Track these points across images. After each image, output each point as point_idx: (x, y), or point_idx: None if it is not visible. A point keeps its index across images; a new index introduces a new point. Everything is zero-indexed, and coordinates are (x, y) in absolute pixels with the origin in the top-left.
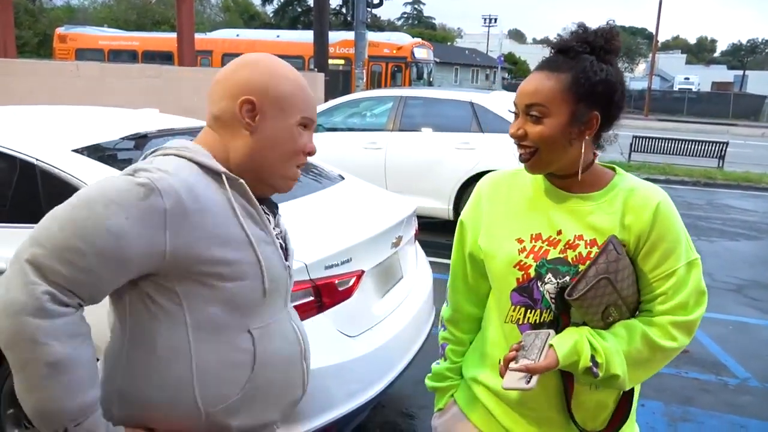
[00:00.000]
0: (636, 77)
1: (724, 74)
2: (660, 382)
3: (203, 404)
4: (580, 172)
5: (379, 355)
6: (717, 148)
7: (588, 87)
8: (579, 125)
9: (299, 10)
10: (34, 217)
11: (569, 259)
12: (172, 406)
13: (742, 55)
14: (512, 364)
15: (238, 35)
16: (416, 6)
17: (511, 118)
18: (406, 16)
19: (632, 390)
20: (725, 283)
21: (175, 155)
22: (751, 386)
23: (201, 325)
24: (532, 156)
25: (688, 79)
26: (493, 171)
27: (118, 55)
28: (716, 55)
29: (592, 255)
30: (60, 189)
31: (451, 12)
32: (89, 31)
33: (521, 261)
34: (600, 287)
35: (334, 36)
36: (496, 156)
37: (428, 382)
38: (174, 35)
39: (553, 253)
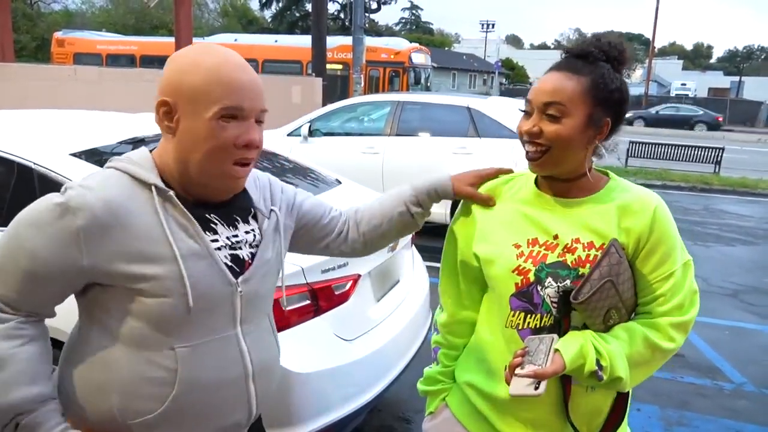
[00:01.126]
0: (633, 83)
1: (721, 80)
2: (656, 386)
3: (120, 415)
4: (587, 174)
5: (375, 359)
6: (713, 154)
7: (606, 93)
8: (593, 129)
9: (297, 14)
10: None
11: (569, 263)
12: (94, 413)
13: (739, 61)
14: (518, 370)
15: (236, 40)
16: (414, 11)
17: (508, 122)
18: (404, 21)
19: (627, 393)
20: (721, 288)
21: (112, 167)
22: (747, 391)
23: (125, 338)
24: (543, 155)
25: (684, 84)
26: (490, 182)
27: (116, 60)
28: (713, 61)
29: (591, 258)
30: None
31: (449, 17)
32: (87, 35)
33: (520, 266)
34: (604, 290)
35: (332, 41)
36: (493, 161)
37: (420, 386)
38: (172, 40)
39: (552, 257)
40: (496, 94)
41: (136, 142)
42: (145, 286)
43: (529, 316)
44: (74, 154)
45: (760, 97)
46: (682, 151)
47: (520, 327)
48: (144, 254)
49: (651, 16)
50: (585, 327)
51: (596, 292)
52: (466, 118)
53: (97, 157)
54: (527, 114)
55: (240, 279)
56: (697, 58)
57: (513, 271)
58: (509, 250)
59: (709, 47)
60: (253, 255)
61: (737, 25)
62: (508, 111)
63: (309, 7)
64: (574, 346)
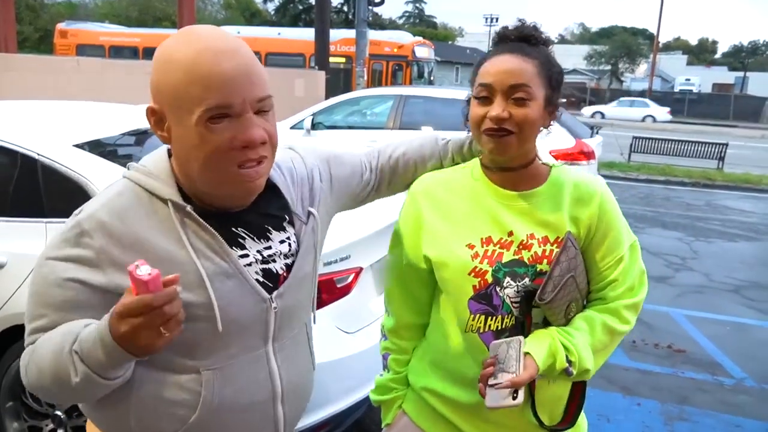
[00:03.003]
0: (637, 78)
1: (725, 75)
2: (656, 381)
3: (137, 431)
4: (534, 161)
5: (376, 352)
6: (717, 150)
7: (555, 74)
8: (549, 112)
9: (300, 7)
10: (35, 211)
11: (525, 260)
12: (115, 424)
13: (743, 57)
14: (492, 380)
15: (239, 32)
16: (418, 5)
17: None
18: (407, 14)
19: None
20: (723, 283)
21: (127, 179)
22: (748, 386)
23: (148, 360)
24: (505, 138)
25: (688, 80)
26: (424, 175)
27: (119, 52)
28: (717, 56)
29: (547, 253)
30: (61, 184)
31: (453, 11)
32: (90, 27)
33: (476, 267)
34: (567, 286)
35: (336, 34)
36: None
37: (372, 396)
38: (175, 32)
39: (508, 256)
40: None
41: (139, 134)
42: None
43: (489, 318)
44: (78, 145)
45: (765, 92)
46: (686, 147)
47: (481, 330)
48: (164, 274)
49: (656, 10)
50: (546, 323)
51: (560, 289)
52: None
53: (100, 148)
54: (485, 99)
55: (274, 294)
56: (701, 53)
57: (469, 274)
58: (463, 251)
59: (714, 42)
60: (288, 266)
61: (742, 21)
62: None
63: (312, 0)
64: (544, 347)
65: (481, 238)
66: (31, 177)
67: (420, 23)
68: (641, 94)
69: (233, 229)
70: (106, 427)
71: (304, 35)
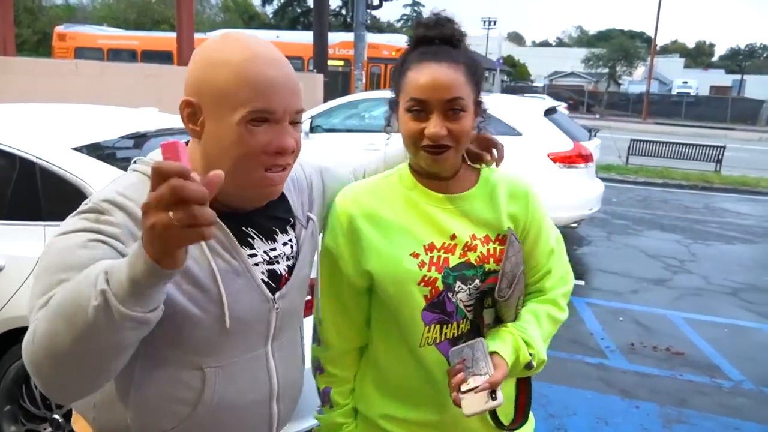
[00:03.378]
0: (634, 81)
1: (723, 78)
2: (655, 383)
3: (134, 428)
4: (465, 163)
5: None
6: (714, 152)
7: (479, 74)
8: (477, 113)
9: (299, 10)
10: (33, 214)
11: (473, 261)
12: (108, 422)
13: (741, 60)
14: (464, 387)
15: None
16: (416, 8)
17: (510, 119)
18: (405, 17)
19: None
20: (721, 286)
21: (138, 171)
22: (746, 389)
23: (150, 355)
24: (447, 153)
25: (686, 83)
26: (347, 187)
27: (117, 54)
28: (715, 59)
29: (492, 252)
30: (60, 187)
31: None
32: (89, 29)
33: (425, 276)
34: (519, 281)
35: (334, 37)
36: None
37: None
38: (173, 35)
39: (454, 260)
40: (498, 92)
41: (138, 137)
42: (181, 305)
43: (445, 327)
44: (76, 149)
45: (762, 95)
46: (683, 150)
47: (437, 341)
48: (181, 270)
49: (653, 13)
50: (497, 321)
51: (516, 284)
52: None
53: (99, 151)
54: (419, 113)
55: (277, 295)
56: (699, 56)
57: (419, 284)
58: (408, 262)
59: (711, 45)
60: (290, 268)
61: (740, 23)
62: (510, 108)
63: (311, 3)
64: (508, 344)
65: (424, 245)
66: (30, 180)
67: None
68: (639, 97)
69: (243, 228)
70: (100, 424)
71: (302, 38)
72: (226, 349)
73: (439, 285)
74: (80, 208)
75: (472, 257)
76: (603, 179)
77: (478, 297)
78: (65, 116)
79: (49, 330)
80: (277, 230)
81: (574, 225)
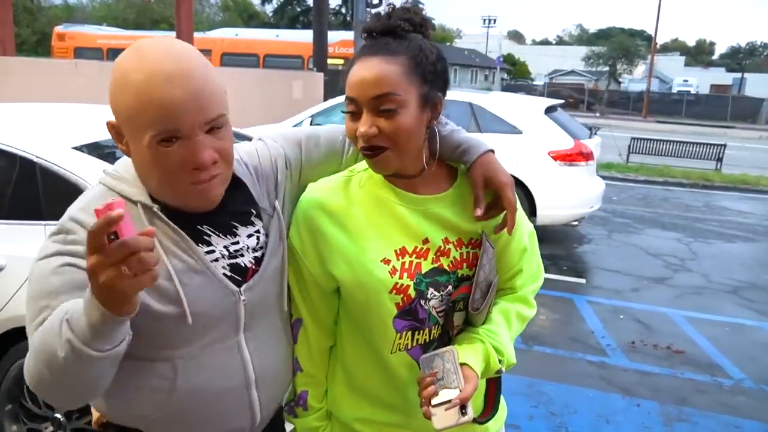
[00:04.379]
0: (635, 79)
1: (723, 77)
2: (655, 382)
3: (113, 415)
4: (427, 162)
5: None
6: (715, 151)
7: (430, 66)
8: (429, 111)
9: (299, 9)
10: (34, 214)
11: (446, 267)
12: (99, 407)
13: (741, 58)
14: (435, 400)
15: (237, 35)
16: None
17: (510, 117)
18: None
19: None
20: (721, 284)
21: (102, 184)
22: (746, 387)
23: (127, 352)
24: (383, 154)
25: (686, 81)
26: (313, 184)
27: (116, 54)
28: (715, 57)
29: (464, 256)
30: (60, 186)
31: (451, 13)
32: (88, 29)
33: (397, 284)
34: (492, 290)
35: (334, 36)
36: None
37: None
38: (173, 34)
39: (426, 265)
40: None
41: None
42: (142, 305)
43: (417, 333)
44: (76, 148)
45: (762, 93)
46: (684, 148)
47: (409, 347)
48: None
49: (653, 11)
50: (466, 323)
51: (489, 294)
52: (468, 113)
53: (99, 150)
54: (353, 113)
55: (243, 287)
56: (699, 54)
57: (390, 292)
58: (379, 269)
59: (712, 43)
60: (257, 259)
61: (740, 22)
62: (510, 106)
63: (310, 1)
64: (478, 354)
65: (395, 250)
66: (30, 179)
67: None
68: (639, 95)
69: (198, 227)
70: (109, 414)
71: (302, 37)
72: (195, 341)
73: (411, 293)
74: (53, 228)
75: (444, 262)
76: (603, 177)
77: (450, 305)
78: (65, 116)
79: (35, 368)
80: (237, 224)
81: (575, 223)
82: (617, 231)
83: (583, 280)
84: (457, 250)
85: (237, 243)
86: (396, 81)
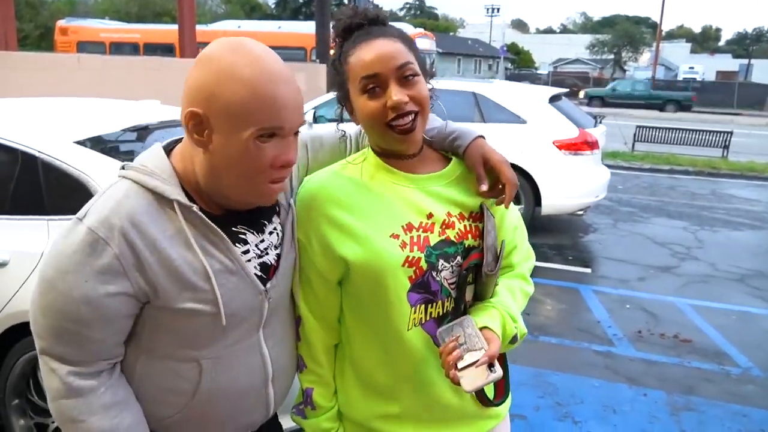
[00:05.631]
0: (640, 67)
1: (729, 63)
2: (662, 371)
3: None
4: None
5: None
6: (721, 138)
7: (415, 47)
8: (427, 82)
9: (301, 1)
10: (36, 209)
11: (453, 238)
12: None
13: (748, 44)
14: (461, 363)
15: (239, 27)
16: None
17: (514, 107)
18: (408, 6)
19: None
20: (728, 272)
21: (128, 179)
22: (754, 375)
23: (151, 350)
24: (414, 121)
25: (692, 68)
26: (309, 178)
27: (119, 48)
28: (721, 44)
29: (469, 228)
30: (62, 181)
31: (454, 2)
32: (90, 23)
33: (408, 257)
34: (501, 254)
35: None
36: (498, 146)
37: None
38: (175, 27)
39: (434, 238)
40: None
41: (140, 130)
42: (179, 306)
43: (430, 306)
44: (78, 142)
45: None
46: (690, 136)
47: (423, 321)
48: (177, 274)
49: None
50: (475, 299)
51: (499, 255)
52: (472, 103)
53: (101, 144)
54: (374, 90)
55: (268, 285)
56: (705, 41)
57: (403, 265)
58: (389, 244)
59: (718, 30)
60: (278, 256)
61: (747, 7)
62: (514, 96)
63: None
64: (496, 318)
65: (402, 226)
66: (32, 174)
67: (421, 15)
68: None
69: (233, 227)
70: None
71: (304, 29)
72: (221, 341)
73: (423, 264)
74: (75, 231)
75: (451, 234)
76: (609, 166)
77: (463, 274)
78: (67, 110)
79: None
80: (266, 222)
81: (580, 213)
82: (623, 220)
83: (588, 270)
84: (460, 223)
85: (263, 241)
86: (406, 53)
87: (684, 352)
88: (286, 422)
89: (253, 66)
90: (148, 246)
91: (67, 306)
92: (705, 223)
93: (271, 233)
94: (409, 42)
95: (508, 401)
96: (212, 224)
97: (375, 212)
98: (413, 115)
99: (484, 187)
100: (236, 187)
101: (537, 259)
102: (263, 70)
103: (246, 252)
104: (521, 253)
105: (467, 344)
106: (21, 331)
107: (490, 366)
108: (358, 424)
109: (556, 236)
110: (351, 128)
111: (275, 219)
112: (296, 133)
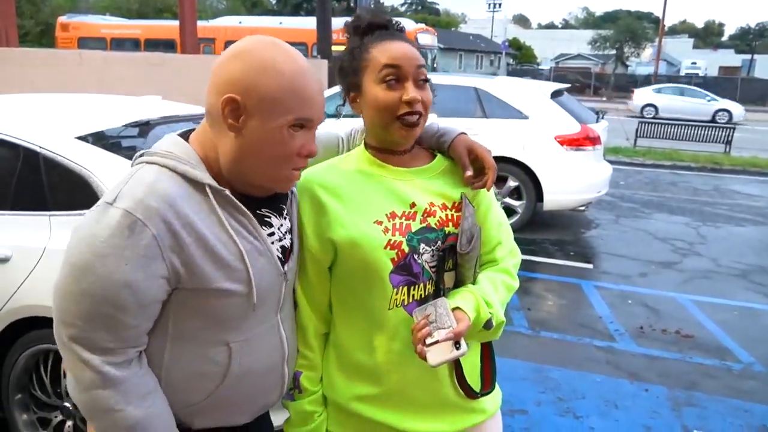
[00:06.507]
0: (642, 62)
1: (732, 58)
2: (664, 366)
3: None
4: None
5: None
6: (724, 133)
7: (424, 57)
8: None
9: None
10: (39, 205)
11: (433, 225)
12: None
13: (751, 39)
14: (429, 340)
15: (240, 22)
16: None
17: (516, 102)
18: (409, 1)
19: (490, 342)
20: (731, 268)
21: (156, 164)
22: (756, 371)
23: (179, 336)
24: (419, 120)
25: (695, 63)
26: (308, 169)
27: (120, 44)
28: (724, 39)
29: (450, 217)
30: (64, 176)
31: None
32: (91, 19)
33: (390, 240)
34: (478, 237)
35: (338, 22)
36: (500, 142)
37: (290, 430)
38: (176, 23)
39: (416, 225)
40: (504, 75)
41: (142, 125)
42: (214, 286)
43: (412, 288)
44: (80, 138)
45: None
46: (692, 131)
47: (405, 303)
48: (213, 254)
49: None
50: (456, 286)
51: (475, 239)
52: (474, 98)
53: (103, 140)
54: (392, 82)
55: (286, 267)
56: (708, 36)
57: (385, 248)
58: (372, 229)
59: (721, 25)
60: (292, 240)
61: (749, 2)
62: (516, 91)
63: None
64: (469, 300)
65: (386, 214)
66: (34, 170)
67: (422, 10)
68: (647, 78)
69: (259, 210)
70: None
71: (305, 24)
72: (249, 322)
73: (405, 248)
74: (110, 213)
75: (432, 221)
76: (611, 162)
77: (441, 256)
78: (69, 106)
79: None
80: (284, 206)
81: (582, 208)
82: (625, 216)
83: (590, 266)
84: (442, 212)
85: (282, 225)
86: (421, 59)
87: (685, 347)
88: (277, 420)
89: (291, 62)
90: (185, 227)
91: (106, 290)
92: (707, 219)
93: (285, 218)
94: (421, 51)
95: (498, 398)
96: (242, 206)
97: (362, 201)
98: (419, 116)
99: (469, 173)
100: (261, 173)
101: (539, 255)
102: (300, 65)
103: (271, 234)
104: (505, 249)
105: (437, 323)
106: (24, 326)
107: (457, 344)
108: (340, 406)
109: (557, 232)
110: (342, 128)
111: (285, 204)
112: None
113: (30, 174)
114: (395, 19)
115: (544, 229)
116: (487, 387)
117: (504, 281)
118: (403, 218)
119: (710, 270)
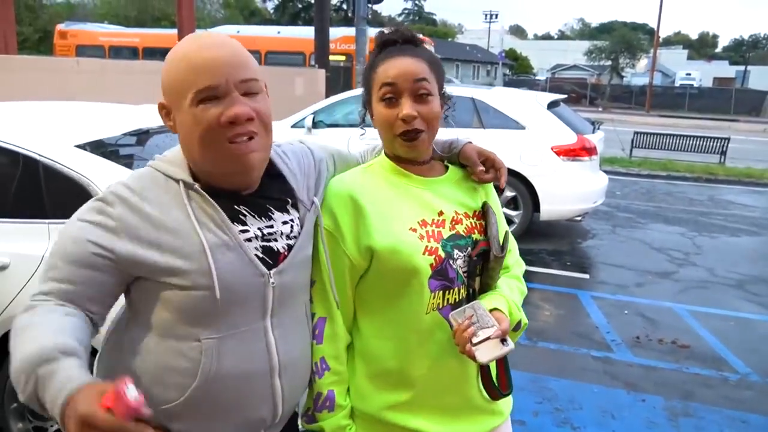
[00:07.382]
0: (637, 73)
1: (726, 70)
2: (661, 377)
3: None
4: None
5: None
6: (718, 144)
7: (441, 70)
8: (443, 104)
9: (300, 6)
10: (37, 212)
11: (462, 232)
12: None
13: (744, 51)
14: (475, 339)
15: (238, 31)
16: (417, 2)
17: (513, 113)
18: (406, 12)
19: None
20: (726, 278)
21: (148, 166)
22: (752, 381)
23: (154, 327)
24: (419, 137)
25: (689, 74)
26: (338, 177)
27: (118, 52)
28: (718, 50)
29: (475, 225)
30: (62, 184)
31: (452, 8)
32: (90, 27)
33: (427, 246)
34: (505, 242)
35: (335, 32)
36: (497, 152)
37: None
38: (174, 32)
39: (446, 232)
40: (500, 85)
41: (141, 134)
42: (175, 279)
43: (447, 292)
44: (79, 146)
45: (766, 86)
46: (687, 142)
47: (440, 307)
48: (174, 246)
49: (655, 4)
50: (481, 290)
51: (504, 244)
52: (471, 109)
53: (102, 148)
54: (390, 100)
55: (273, 271)
56: (702, 47)
57: (424, 253)
58: (409, 235)
59: (715, 36)
60: (290, 246)
61: (743, 14)
62: (513, 102)
63: None
64: (503, 303)
65: (418, 221)
66: (33, 178)
67: (419, 20)
68: (642, 89)
69: (235, 206)
70: None
71: (303, 33)
72: (222, 320)
73: (441, 253)
74: (98, 195)
75: (460, 229)
76: (607, 172)
77: (473, 261)
78: (68, 114)
79: (12, 350)
80: (272, 209)
81: (579, 218)
82: (621, 226)
83: (587, 276)
84: (467, 220)
85: (271, 227)
86: (426, 72)
87: (682, 357)
88: None
89: (189, 43)
90: (148, 216)
91: (63, 243)
92: (703, 229)
93: (285, 223)
94: (436, 66)
95: (510, 403)
96: (210, 199)
97: (393, 210)
98: (420, 133)
99: (481, 168)
100: (205, 159)
101: (535, 265)
102: (196, 43)
103: (244, 231)
104: (514, 257)
105: (480, 323)
106: None
107: (504, 340)
108: (370, 416)
109: (554, 242)
110: (356, 149)
111: (293, 212)
112: (250, 94)
113: (29, 182)
114: (414, 33)
115: (540, 239)
116: (506, 389)
117: (518, 287)
118: (434, 225)
119: (706, 280)
